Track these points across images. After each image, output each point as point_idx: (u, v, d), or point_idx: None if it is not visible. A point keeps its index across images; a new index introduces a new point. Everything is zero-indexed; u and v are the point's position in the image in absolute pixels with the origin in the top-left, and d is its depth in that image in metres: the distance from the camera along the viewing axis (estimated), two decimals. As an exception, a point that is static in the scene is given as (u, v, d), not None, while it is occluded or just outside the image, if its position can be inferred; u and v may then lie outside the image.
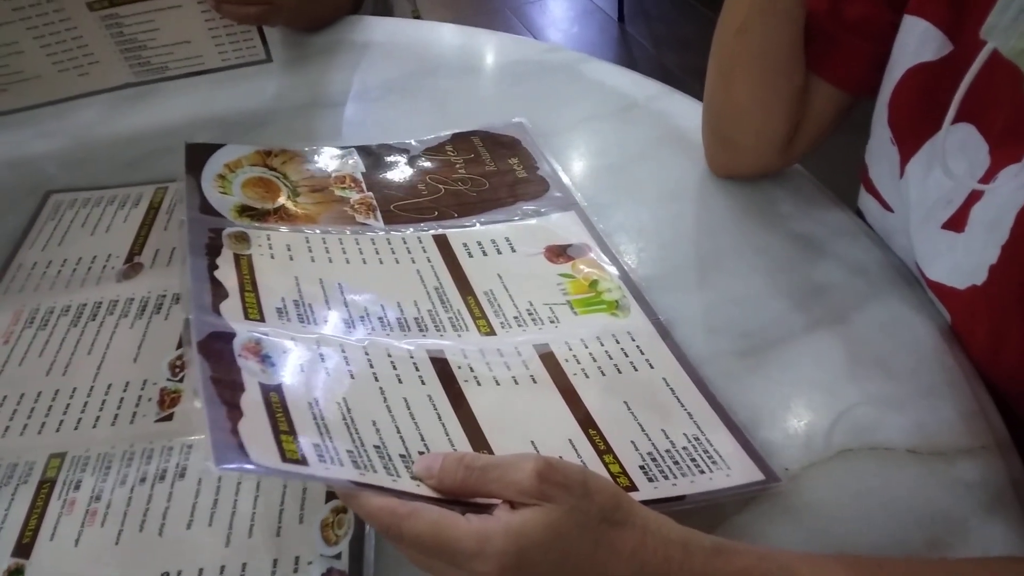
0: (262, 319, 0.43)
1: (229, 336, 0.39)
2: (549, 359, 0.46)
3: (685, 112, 0.68)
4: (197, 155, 0.58)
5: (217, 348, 0.37)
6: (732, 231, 0.57)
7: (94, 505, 0.41)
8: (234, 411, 0.33)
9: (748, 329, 0.49)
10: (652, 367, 0.46)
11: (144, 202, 0.61)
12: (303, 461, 0.32)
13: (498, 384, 0.43)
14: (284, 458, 0.31)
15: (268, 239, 0.51)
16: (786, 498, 0.41)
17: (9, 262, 0.56)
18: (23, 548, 0.40)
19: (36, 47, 0.61)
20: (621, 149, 0.65)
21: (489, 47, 0.79)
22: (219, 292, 0.44)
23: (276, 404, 0.35)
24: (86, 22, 0.61)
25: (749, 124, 0.55)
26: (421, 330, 0.46)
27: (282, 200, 0.56)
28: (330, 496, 0.41)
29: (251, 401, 0.34)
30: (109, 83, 0.67)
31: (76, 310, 0.52)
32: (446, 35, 0.82)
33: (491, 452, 0.38)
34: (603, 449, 0.40)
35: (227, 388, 0.34)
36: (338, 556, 0.39)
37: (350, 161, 0.62)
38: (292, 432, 0.33)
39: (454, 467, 0.32)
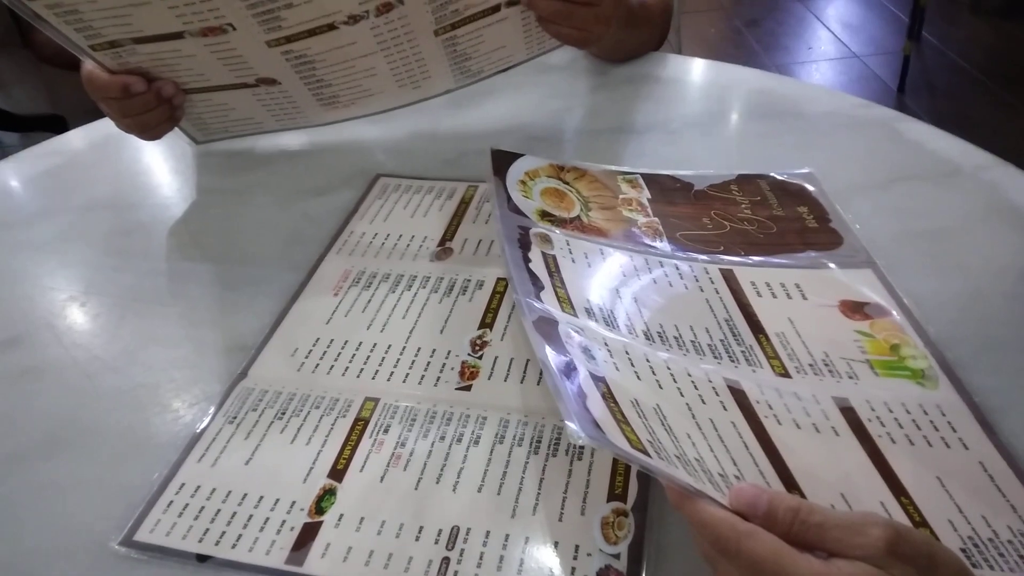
0: (575, 315, 0.45)
1: (554, 322, 0.41)
2: (850, 414, 0.43)
3: (1020, 187, 0.62)
4: (501, 160, 0.62)
5: (547, 330, 0.40)
6: (1074, 322, 0.50)
7: (399, 450, 0.45)
8: (579, 389, 0.34)
9: (1093, 432, 0.43)
10: (966, 448, 0.42)
11: (457, 196, 0.67)
12: (646, 453, 0.32)
13: (799, 427, 0.42)
14: (631, 446, 0.32)
15: (568, 244, 0.54)
16: None
17: (342, 228, 0.64)
18: (336, 472, 0.45)
19: (387, 70, 0.69)
20: (938, 215, 0.61)
21: (797, 96, 0.78)
22: (536, 282, 0.47)
23: (607, 394, 0.36)
24: (430, 46, 0.68)
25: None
26: (716, 358, 0.46)
27: (576, 211, 0.59)
28: (612, 496, 0.42)
29: (587, 384, 0.35)
30: (434, 91, 0.74)
31: (395, 278, 0.58)
32: (752, 79, 0.82)
33: (802, 494, 0.37)
34: (918, 521, 0.37)
35: (566, 367, 0.36)
36: (617, 556, 0.39)
37: (636, 186, 0.64)
38: (628, 423, 0.34)
39: (786, 516, 0.30)
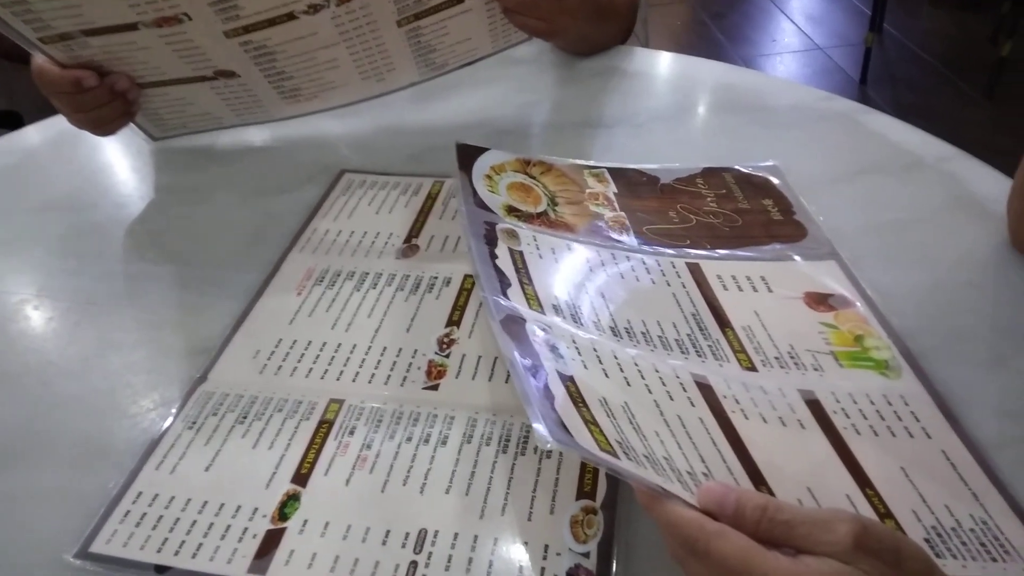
0: (542, 311, 0.45)
1: (521, 320, 0.41)
2: (815, 407, 0.44)
3: (982, 178, 0.62)
4: (467, 155, 0.62)
5: (515, 329, 0.39)
6: (1033, 311, 0.51)
7: (365, 452, 0.44)
8: (547, 391, 0.34)
9: (1052, 420, 0.44)
10: (929, 437, 0.43)
11: (423, 192, 0.66)
12: (614, 454, 0.32)
13: (765, 421, 0.42)
14: (600, 448, 0.32)
15: (535, 239, 0.53)
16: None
17: (305, 226, 0.63)
18: (300, 477, 0.44)
19: (349, 61, 0.67)
20: (899, 207, 0.61)
21: (762, 89, 0.78)
22: (503, 279, 0.46)
23: (575, 394, 0.36)
24: (393, 37, 0.67)
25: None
26: (683, 352, 0.46)
27: (543, 206, 0.58)
28: (581, 494, 0.41)
29: (555, 384, 0.35)
30: (399, 84, 0.73)
31: (359, 277, 0.57)
32: (718, 73, 0.82)
33: (769, 490, 0.37)
34: (883, 512, 0.37)
35: (533, 367, 0.35)
36: (587, 555, 0.39)
37: (602, 180, 0.63)
38: (596, 423, 0.34)
39: (754, 514, 0.30)
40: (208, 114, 0.72)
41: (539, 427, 0.30)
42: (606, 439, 0.33)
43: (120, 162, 0.75)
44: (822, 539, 0.28)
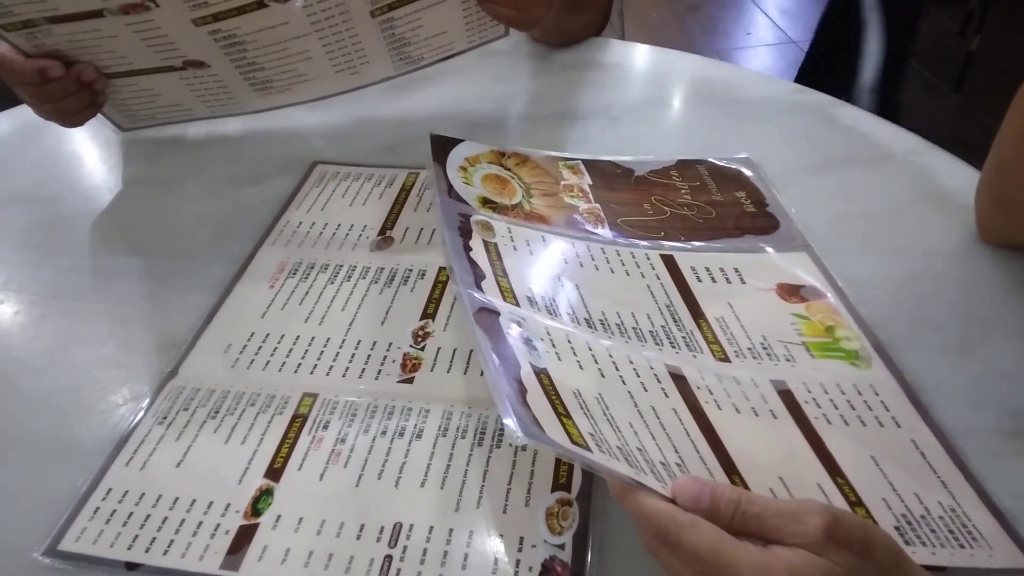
0: (516, 304, 0.45)
1: (496, 313, 0.41)
2: (787, 397, 0.44)
3: (950, 170, 0.63)
4: (441, 146, 0.61)
5: (488, 323, 0.39)
6: (1000, 302, 0.52)
7: (339, 446, 0.44)
8: (519, 384, 0.34)
9: (1017, 408, 0.45)
10: (899, 426, 0.43)
11: (397, 183, 0.66)
12: (587, 447, 0.32)
13: (738, 412, 0.42)
14: (572, 441, 0.32)
15: (510, 231, 0.53)
16: (1058, 600, 0.36)
17: (278, 218, 0.62)
18: (273, 472, 0.43)
19: (323, 53, 0.66)
20: (870, 199, 0.62)
21: (735, 81, 0.78)
22: (477, 271, 0.46)
23: (548, 386, 0.36)
24: (366, 28, 0.66)
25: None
26: (657, 344, 0.46)
27: (518, 198, 0.58)
28: (556, 486, 0.41)
29: (528, 378, 0.35)
30: (373, 78, 0.72)
31: (333, 269, 0.57)
32: (693, 65, 0.83)
33: (742, 480, 0.37)
34: (854, 501, 0.38)
35: (506, 361, 0.35)
36: (562, 547, 0.39)
37: (577, 172, 0.63)
38: (569, 416, 0.34)
39: (727, 508, 0.31)
40: (178, 105, 0.71)
41: (509, 423, 0.30)
42: (578, 432, 0.33)
43: (87, 153, 0.74)
44: (793, 531, 0.29)
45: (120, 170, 0.71)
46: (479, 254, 0.47)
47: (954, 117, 2.11)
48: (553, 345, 0.40)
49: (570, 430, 0.33)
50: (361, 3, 0.63)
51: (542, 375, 0.36)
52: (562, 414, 0.34)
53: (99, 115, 0.70)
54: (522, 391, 0.33)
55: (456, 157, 0.60)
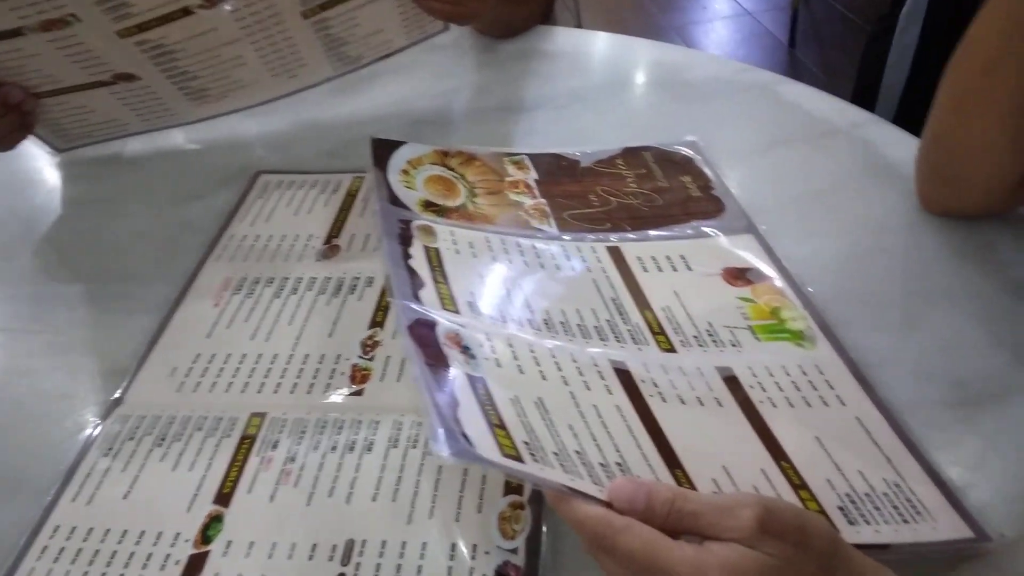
0: (456, 311, 0.44)
1: (432, 323, 0.40)
2: (733, 383, 0.44)
3: (893, 142, 0.64)
4: (382, 150, 0.60)
5: (424, 334, 0.38)
6: (943, 273, 0.53)
7: (289, 466, 0.44)
8: (451, 397, 0.34)
9: (961, 379, 0.45)
10: (844, 404, 0.44)
11: (342, 189, 0.65)
12: (519, 458, 0.32)
13: (683, 403, 0.42)
14: (503, 453, 0.32)
15: (452, 234, 0.52)
16: (999, 566, 0.37)
17: (222, 233, 0.61)
18: (223, 497, 0.43)
19: (257, 58, 0.65)
20: (815, 176, 0.62)
21: (680, 63, 0.78)
22: (416, 280, 0.46)
23: (484, 396, 0.35)
24: (300, 29, 0.64)
25: (983, 163, 0.51)
26: (602, 339, 0.46)
27: (461, 199, 0.58)
28: (509, 490, 0.41)
29: (463, 391, 0.35)
30: (313, 80, 0.71)
31: (279, 282, 0.56)
32: (639, 49, 0.82)
33: (685, 473, 0.37)
34: (798, 484, 0.38)
35: (440, 374, 0.35)
36: (515, 551, 0.39)
37: (523, 167, 0.63)
38: (503, 426, 0.34)
39: (663, 507, 0.30)
40: (113, 121, 0.69)
41: (434, 443, 0.30)
42: (511, 443, 0.33)
43: (23, 177, 0.72)
44: (727, 525, 0.29)
45: (58, 193, 0.69)
46: (419, 261, 0.46)
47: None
48: (493, 351, 0.40)
49: (502, 441, 0.32)
50: (291, 5, 0.62)
51: (478, 384, 0.36)
52: (496, 425, 0.34)
53: (33, 137, 0.68)
54: (454, 405, 0.33)
55: (398, 160, 0.59)
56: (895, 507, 0.38)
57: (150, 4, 0.57)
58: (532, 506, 0.40)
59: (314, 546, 0.40)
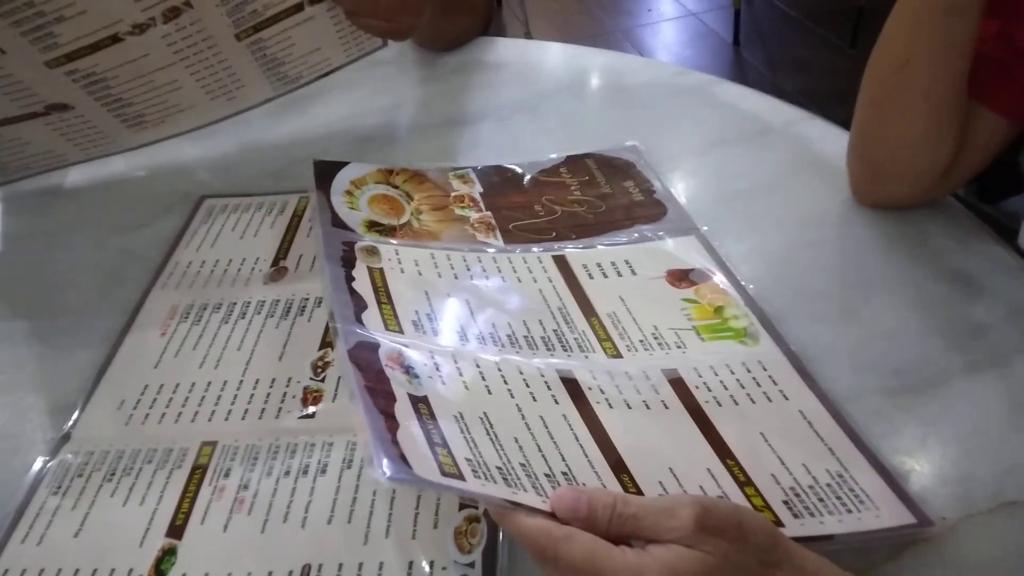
0: (400, 331, 0.44)
1: (374, 346, 0.40)
2: (679, 385, 0.45)
3: (826, 137, 0.66)
4: (325, 171, 0.60)
5: (365, 357, 0.39)
6: (878, 263, 0.54)
7: (242, 493, 0.43)
8: (391, 421, 0.34)
9: (899, 367, 0.47)
10: (787, 398, 0.45)
11: (289, 210, 0.64)
12: (460, 475, 0.32)
13: (629, 408, 0.43)
14: (443, 471, 0.32)
15: (397, 254, 0.53)
16: (941, 550, 0.38)
17: (167, 260, 0.61)
18: (175, 529, 0.42)
19: (192, 82, 0.64)
20: (753, 174, 0.64)
21: (620, 69, 0.80)
22: (359, 303, 0.46)
23: (426, 415, 0.36)
24: (235, 52, 0.64)
25: (905, 156, 0.53)
26: (548, 349, 0.47)
27: (406, 217, 0.58)
28: (463, 505, 0.41)
29: (404, 411, 0.35)
30: (253, 101, 0.70)
31: (227, 308, 0.55)
32: (580, 56, 0.83)
33: (631, 477, 0.38)
34: (743, 481, 0.39)
35: (380, 397, 0.35)
36: (472, 565, 0.39)
37: (468, 181, 0.63)
38: (445, 445, 0.34)
39: (604, 513, 0.31)
40: (50, 152, 0.68)
41: (370, 468, 0.30)
42: (452, 460, 0.33)
43: (-40, 212, 0.70)
44: (667, 526, 0.30)
45: (-3, 227, 0.68)
46: (362, 283, 0.47)
47: (853, 71, 2.18)
48: (437, 369, 0.40)
49: (443, 460, 0.33)
50: (223, 27, 0.61)
51: (420, 404, 0.36)
52: (437, 444, 0.34)
53: (-34, 172, 0.66)
54: (392, 427, 0.33)
55: (341, 182, 0.59)
56: (839, 498, 0.39)
57: (77, 33, 0.56)
58: (487, 519, 0.41)
59: (270, 573, 0.39)
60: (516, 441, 0.37)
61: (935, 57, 0.49)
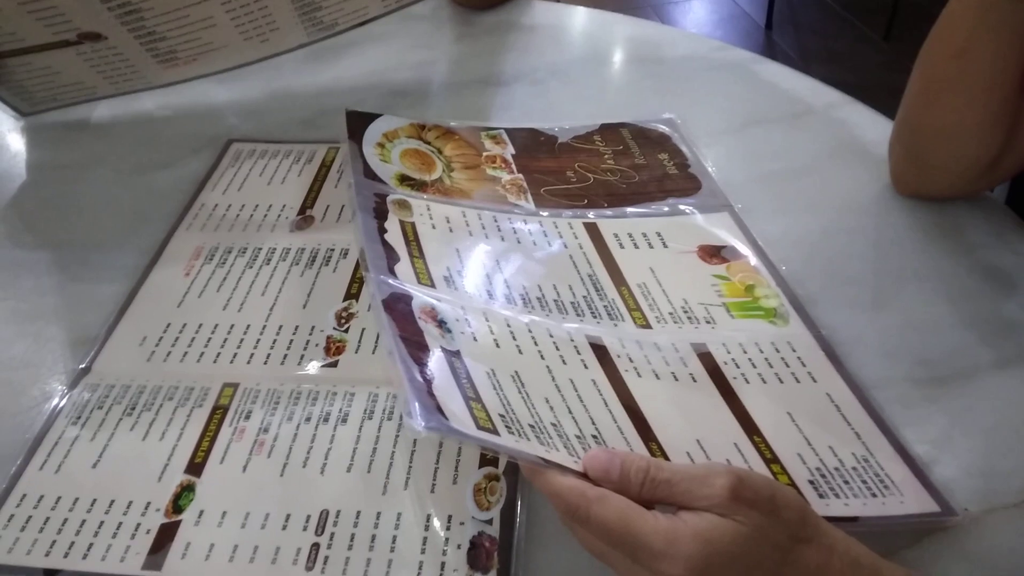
0: (432, 285, 0.44)
1: (408, 298, 0.40)
2: (707, 359, 0.45)
3: (867, 123, 0.64)
4: (357, 122, 0.59)
5: (399, 308, 0.38)
6: (913, 253, 0.53)
7: (262, 436, 0.43)
8: (426, 371, 0.33)
9: (928, 357, 0.46)
10: (815, 381, 0.44)
11: (317, 159, 0.64)
12: (494, 430, 0.32)
13: (658, 378, 0.42)
14: (478, 425, 0.32)
15: (428, 209, 0.52)
16: (963, 541, 0.38)
17: (192, 202, 0.60)
18: (195, 467, 0.42)
19: (227, 20, 0.63)
20: (790, 155, 0.63)
21: (659, 40, 0.78)
22: (391, 254, 0.45)
23: (460, 370, 0.35)
24: None
25: (953, 146, 0.52)
26: (578, 315, 0.46)
27: (438, 173, 0.57)
28: (484, 462, 0.41)
29: (438, 364, 0.34)
30: (286, 46, 0.69)
31: (252, 253, 0.55)
32: (616, 25, 0.82)
33: (659, 446, 0.37)
34: (769, 458, 0.39)
35: (415, 348, 0.35)
36: (489, 522, 0.39)
37: (500, 142, 0.62)
38: (479, 399, 0.34)
39: (637, 476, 0.31)
40: (79, 84, 0.67)
41: (409, 419, 0.30)
42: (487, 415, 0.33)
43: (-15, 140, 0.70)
44: (700, 494, 0.29)
45: (23, 157, 0.67)
46: (394, 236, 0.46)
47: (884, 64, 2.15)
48: (469, 325, 0.40)
49: (478, 414, 0.32)
50: None
51: (454, 358, 0.36)
52: (471, 398, 0.34)
53: (-4, 99, 0.66)
54: (429, 379, 0.33)
55: (373, 133, 0.58)
56: (864, 481, 0.39)
57: None
58: (507, 478, 0.41)
59: (288, 516, 0.40)
60: (547, 401, 0.36)
61: (996, 45, 0.48)
